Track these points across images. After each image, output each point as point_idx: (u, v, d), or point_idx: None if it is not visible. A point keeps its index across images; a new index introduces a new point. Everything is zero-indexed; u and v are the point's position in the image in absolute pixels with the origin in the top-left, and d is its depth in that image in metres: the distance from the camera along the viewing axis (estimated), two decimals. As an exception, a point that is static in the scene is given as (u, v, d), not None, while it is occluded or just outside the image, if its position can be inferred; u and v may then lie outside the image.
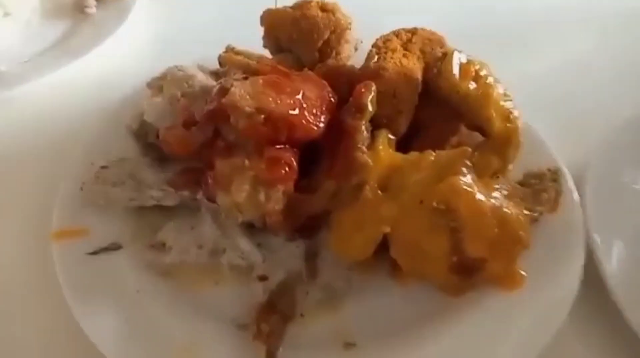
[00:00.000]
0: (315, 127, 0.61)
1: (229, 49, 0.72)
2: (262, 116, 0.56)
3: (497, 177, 0.64)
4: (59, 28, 1.08)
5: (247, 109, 0.56)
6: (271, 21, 0.83)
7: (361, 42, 0.84)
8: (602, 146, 0.75)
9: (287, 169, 0.58)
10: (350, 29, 0.81)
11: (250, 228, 0.63)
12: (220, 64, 0.74)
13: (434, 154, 0.61)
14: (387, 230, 0.56)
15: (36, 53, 1.01)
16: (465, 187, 0.57)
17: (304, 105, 0.60)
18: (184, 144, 0.61)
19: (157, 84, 0.77)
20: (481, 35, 1.02)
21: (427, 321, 0.59)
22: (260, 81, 0.59)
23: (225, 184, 0.59)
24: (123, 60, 1.00)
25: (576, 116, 0.87)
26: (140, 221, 0.68)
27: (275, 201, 0.58)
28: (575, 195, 0.66)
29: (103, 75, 0.96)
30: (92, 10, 1.10)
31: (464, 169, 0.60)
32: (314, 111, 0.61)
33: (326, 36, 0.80)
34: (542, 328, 0.56)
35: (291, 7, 0.83)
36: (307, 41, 0.80)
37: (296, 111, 0.59)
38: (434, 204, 0.56)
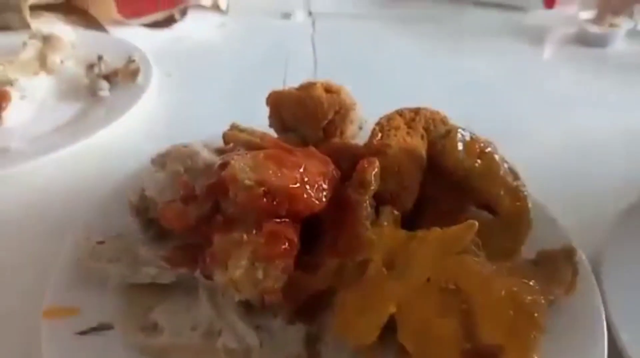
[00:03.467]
0: (318, 201, 0.59)
1: (234, 127, 0.73)
2: (262, 188, 0.55)
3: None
4: (71, 109, 1.11)
5: (247, 181, 0.55)
6: (276, 101, 0.84)
7: (365, 121, 0.85)
8: (618, 226, 0.73)
9: (287, 244, 0.56)
10: (354, 109, 0.82)
11: (248, 309, 0.59)
12: (224, 141, 0.74)
13: (440, 230, 0.59)
14: (393, 309, 0.52)
15: (47, 132, 1.03)
16: (475, 265, 0.54)
17: (306, 179, 0.59)
18: (182, 219, 0.59)
19: (161, 161, 0.77)
20: (484, 119, 1.03)
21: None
22: (262, 155, 0.58)
23: (222, 261, 0.56)
24: (131, 140, 1.01)
25: (589, 194, 0.85)
26: (134, 300, 0.64)
27: (274, 278, 0.55)
28: (592, 277, 0.63)
29: (111, 153, 0.97)
30: (106, 93, 1.12)
31: (474, 248, 0.57)
32: (316, 185, 0.60)
33: (330, 116, 0.80)
34: None
35: (296, 89, 0.84)
36: (312, 120, 0.80)
37: (297, 185, 0.58)
38: (443, 283, 0.53)
